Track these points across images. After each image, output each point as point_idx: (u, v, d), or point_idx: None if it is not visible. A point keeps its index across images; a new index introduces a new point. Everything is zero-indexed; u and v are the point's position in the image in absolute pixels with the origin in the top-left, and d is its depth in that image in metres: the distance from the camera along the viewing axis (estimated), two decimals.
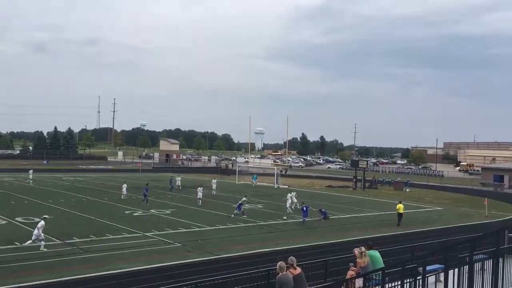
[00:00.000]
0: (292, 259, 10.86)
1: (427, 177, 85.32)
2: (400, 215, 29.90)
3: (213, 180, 46.00)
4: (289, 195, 34.69)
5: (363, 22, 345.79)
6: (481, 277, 9.10)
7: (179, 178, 49.48)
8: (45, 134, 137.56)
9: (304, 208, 29.54)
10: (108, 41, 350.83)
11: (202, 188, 37.43)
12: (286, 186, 56.04)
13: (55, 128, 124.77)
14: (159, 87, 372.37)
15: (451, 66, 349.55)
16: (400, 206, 30.10)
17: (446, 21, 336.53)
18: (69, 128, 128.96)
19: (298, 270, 10.78)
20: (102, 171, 74.65)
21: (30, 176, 50.70)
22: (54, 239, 21.69)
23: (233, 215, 29.85)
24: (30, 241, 19.75)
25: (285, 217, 30.71)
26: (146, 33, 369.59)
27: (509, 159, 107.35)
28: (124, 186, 39.34)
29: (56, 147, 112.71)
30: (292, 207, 33.49)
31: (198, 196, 36.43)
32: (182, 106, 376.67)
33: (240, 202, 31.05)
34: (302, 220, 29.10)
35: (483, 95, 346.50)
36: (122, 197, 38.01)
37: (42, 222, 20.08)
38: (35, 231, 19.78)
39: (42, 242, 19.60)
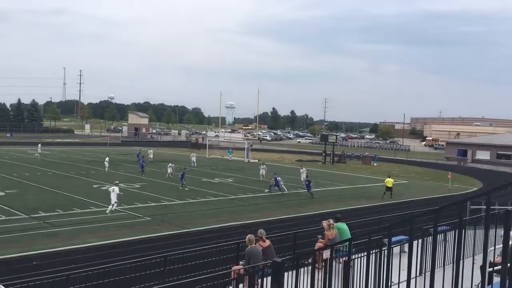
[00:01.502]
0: (261, 231, 10.96)
1: (394, 151, 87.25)
2: (389, 188, 30.61)
3: (193, 154, 48.54)
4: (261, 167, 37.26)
5: None
6: (443, 247, 9.43)
7: (151, 151, 49.48)
8: (8, 106, 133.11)
9: (277, 178, 30.67)
10: (74, 11, 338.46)
11: (173, 164, 37.41)
12: (257, 160, 56.25)
13: (19, 100, 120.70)
14: (128, 59, 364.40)
15: (419, 43, 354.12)
16: (389, 180, 30.82)
17: None
18: (33, 100, 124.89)
19: (267, 242, 10.90)
20: (68, 145, 73.09)
21: (39, 150, 49.43)
22: (20, 213, 21.23)
23: (185, 188, 30.43)
24: (111, 207, 21.83)
25: (266, 190, 30.91)
26: (116, 5, 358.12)
27: (472, 134, 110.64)
28: (107, 159, 39.13)
29: (20, 119, 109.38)
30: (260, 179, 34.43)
31: (168, 171, 36.33)
32: (152, 79, 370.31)
33: (183, 171, 31.72)
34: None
35: (449, 71, 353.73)
36: (105, 171, 37.79)
37: (117, 188, 22.32)
38: (113, 196, 21.80)
39: (112, 207, 21.79)
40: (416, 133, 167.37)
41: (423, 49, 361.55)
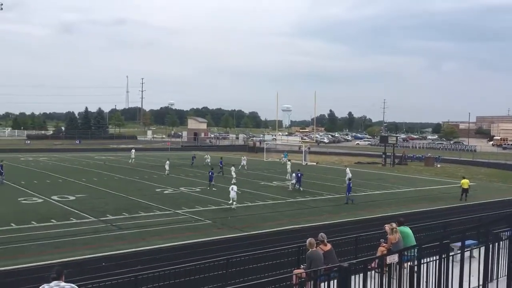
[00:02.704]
0: (322, 235, 10.88)
1: (459, 152, 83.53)
2: (465, 190, 29.79)
3: (243, 157, 49.49)
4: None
5: None
6: None
7: (208, 157, 50.85)
8: (76, 114, 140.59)
9: (299, 174, 32.65)
10: (135, 22, 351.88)
11: (234, 167, 37.73)
12: (315, 163, 55.87)
13: (86, 108, 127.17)
14: (186, 66, 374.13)
15: (483, 39, 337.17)
16: (465, 182, 29.93)
17: None
18: (99, 108, 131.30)
19: (329, 246, 10.81)
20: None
21: (132, 156, 52.83)
22: (89, 216, 22.33)
23: (213, 188, 32.24)
24: (232, 202, 24.93)
25: (289, 187, 33.34)
26: (173, 13, 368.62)
27: None
28: (167, 163, 41.51)
29: (88, 127, 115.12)
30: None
31: (232, 175, 36.42)
32: (210, 85, 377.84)
33: (210, 173, 33.51)
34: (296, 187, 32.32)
35: None
36: (166, 174, 40.06)
37: (235, 187, 25.58)
38: (233, 194, 24.89)
39: (235, 203, 25.03)
40: (482, 133, 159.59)
41: (486, 45, 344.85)
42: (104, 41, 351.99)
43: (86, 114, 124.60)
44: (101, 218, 21.88)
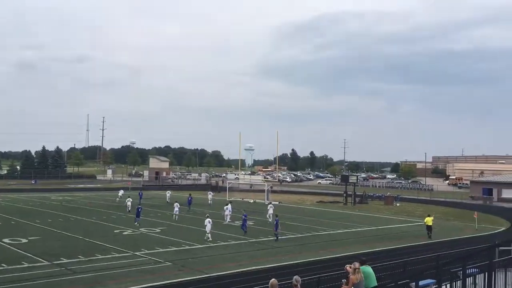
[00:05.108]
0: (296, 279, 10.53)
1: (416, 191, 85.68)
2: (429, 227, 30.67)
3: (210, 191, 53.98)
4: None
5: (350, 39, 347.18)
6: None
7: (169, 193, 52.59)
8: (33, 153, 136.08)
9: (244, 216, 31.02)
10: (96, 59, 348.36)
11: (178, 204, 38.13)
12: (277, 203, 55.82)
13: (43, 147, 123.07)
14: (148, 105, 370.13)
15: (438, 82, 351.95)
16: (428, 219, 30.88)
17: (432, 37, 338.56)
18: (58, 147, 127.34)
19: None
20: (91, 190, 73.89)
21: (120, 194, 52.66)
22: (42, 260, 21.30)
23: (138, 224, 32.70)
24: (207, 235, 27.12)
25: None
26: (134, 52, 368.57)
27: (497, 172, 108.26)
28: (129, 200, 42.11)
29: (45, 166, 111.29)
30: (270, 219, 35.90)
31: (174, 211, 37.34)
32: (172, 124, 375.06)
33: (139, 209, 33.80)
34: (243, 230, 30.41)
35: (470, 109, 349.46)
36: (128, 210, 40.67)
37: (209, 220, 27.78)
38: (209, 227, 27.33)
39: (209, 235, 27.21)
40: (438, 172, 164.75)
41: (442, 88, 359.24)
42: (64, 79, 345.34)
43: (44, 153, 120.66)
44: (55, 262, 20.89)
